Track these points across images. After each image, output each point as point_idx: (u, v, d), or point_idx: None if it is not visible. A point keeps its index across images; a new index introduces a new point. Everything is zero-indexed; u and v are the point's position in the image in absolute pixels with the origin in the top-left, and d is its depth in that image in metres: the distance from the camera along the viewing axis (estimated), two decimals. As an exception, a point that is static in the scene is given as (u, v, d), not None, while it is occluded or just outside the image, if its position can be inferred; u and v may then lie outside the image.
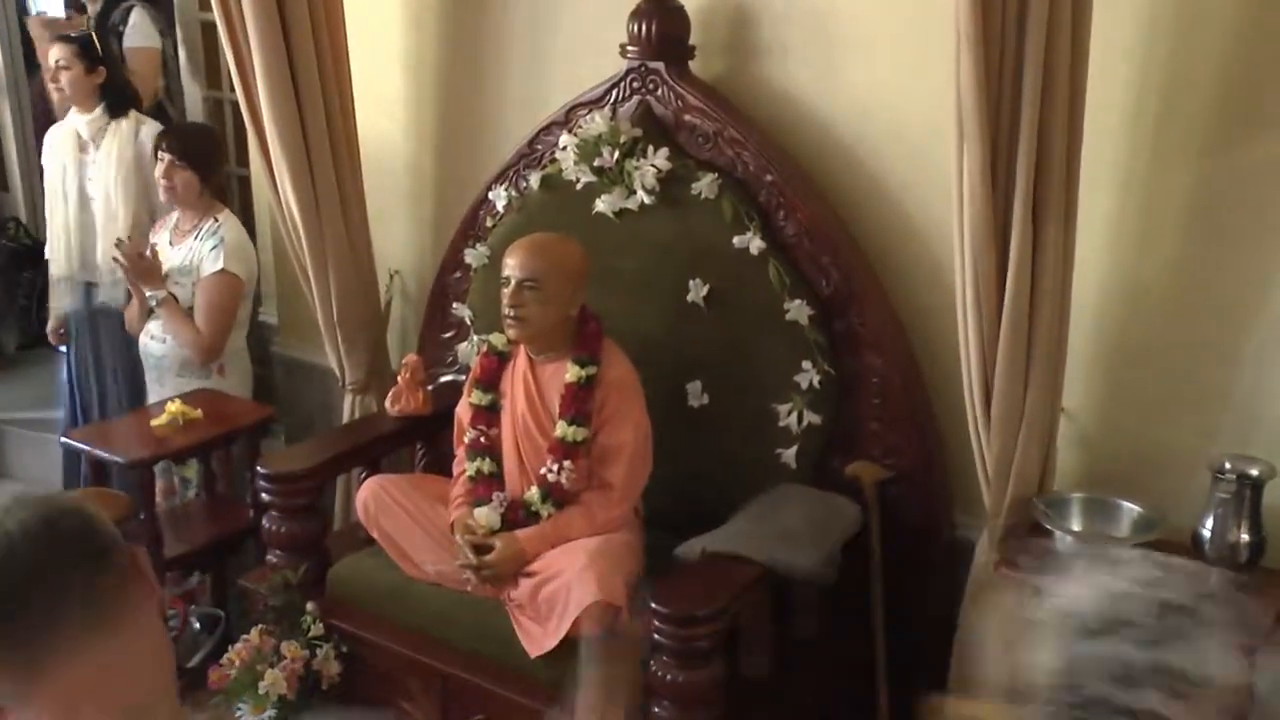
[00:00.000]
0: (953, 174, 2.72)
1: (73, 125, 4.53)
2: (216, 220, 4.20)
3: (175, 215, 4.33)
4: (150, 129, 4.47)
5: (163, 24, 4.98)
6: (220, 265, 4.11)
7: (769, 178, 3.26)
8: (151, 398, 4.28)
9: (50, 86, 4.49)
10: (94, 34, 4.53)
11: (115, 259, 4.16)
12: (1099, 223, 2.88)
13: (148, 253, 4.15)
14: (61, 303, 4.67)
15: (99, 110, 4.46)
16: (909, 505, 3.21)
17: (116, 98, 4.49)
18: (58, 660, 1.24)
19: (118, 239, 4.22)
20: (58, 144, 4.57)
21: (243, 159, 4.89)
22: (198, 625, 4.34)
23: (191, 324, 4.15)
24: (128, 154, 4.42)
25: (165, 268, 4.19)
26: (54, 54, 4.46)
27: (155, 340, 4.26)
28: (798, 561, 2.92)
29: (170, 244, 4.26)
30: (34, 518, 1.27)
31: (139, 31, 4.71)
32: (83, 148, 4.51)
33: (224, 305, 4.15)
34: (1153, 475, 2.93)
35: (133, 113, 4.49)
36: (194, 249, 4.18)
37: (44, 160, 4.65)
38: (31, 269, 5.74)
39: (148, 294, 4.16)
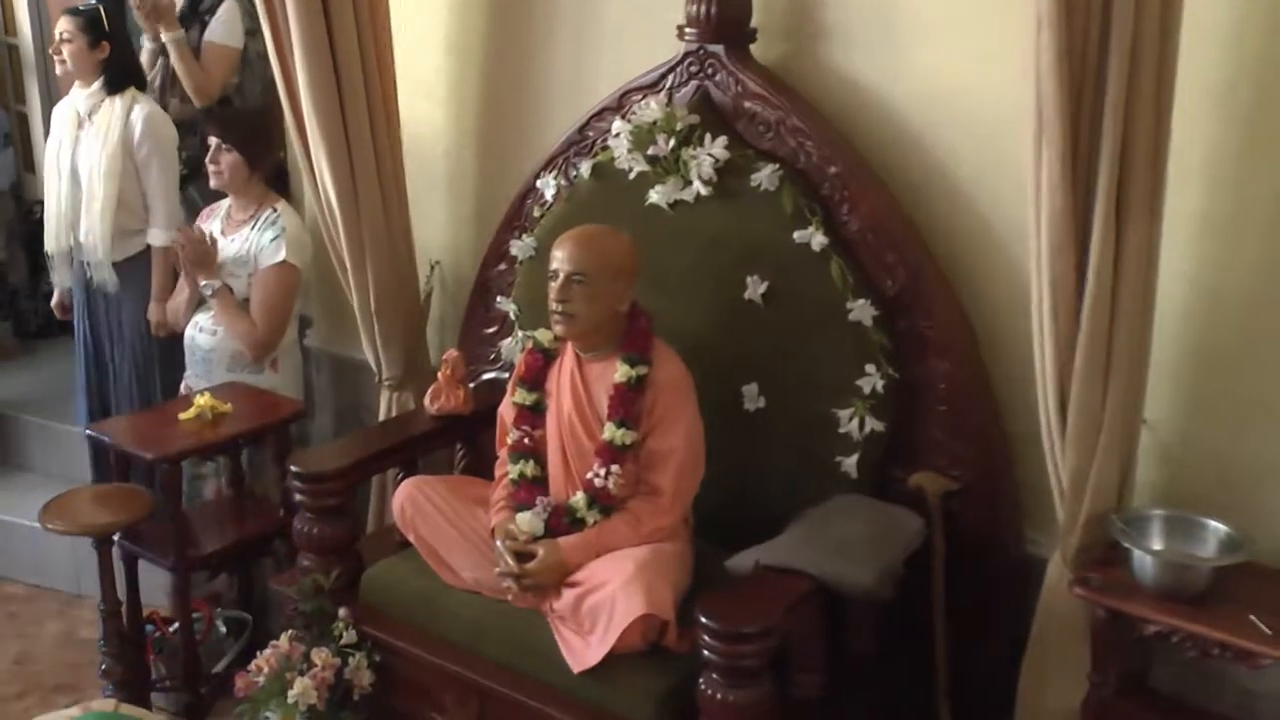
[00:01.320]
0: (1029, 166, 2.69)
1: (74, 100, 4.60)
2: (275, 210, 4.24)
3: (227, 203, 4.37)
4: (144, 109, 4.50)
5: (251, 22, 5.03)
6: (282, 257, 4.16)
7: (832, 169, 3.24)
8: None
9: (55, 59, 4.58)
10: (103, 9, 4.58)
11: (177, 244, 4.21)
12: (1185, 220, 2.83)
13: (207, 240, 4.20)
14: (58, 278, 4.80)
15: (97, 85, 4.52)
16: (975, 519, 3.18)
17: (117, 74, 4.54)
18: None
19: (181, 225, 4.28)
20: (58, 119, 4.67)
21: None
22: (223, 629, 4.38)
23: (247, 317, 4.18)
24: (115, 131, 4.47)
25: (219, 258, 4.22)
26: (60, 26, 4.54)
27: (204, 332, 4.30)
28: (855, 576, 2.89)
29: (222, 233, 4.30)
30: None
31: (224, 27, 4.75)
32: (80, 123, 4.58)
33: (283, 298, 4.19)
34: (1240, 492, 2.89)
35: (130, 90, 4.54)
36: (251, 239, 4.22)
37: (49, 136, 4.73)
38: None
39: (202, 283, 4.20)
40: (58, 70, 4.61)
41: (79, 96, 4.57)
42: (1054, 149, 2.61)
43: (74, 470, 5.03)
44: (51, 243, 4.70)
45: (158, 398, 4.65)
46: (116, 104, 4.50)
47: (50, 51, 4.61)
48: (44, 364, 6.04)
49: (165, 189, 4.55)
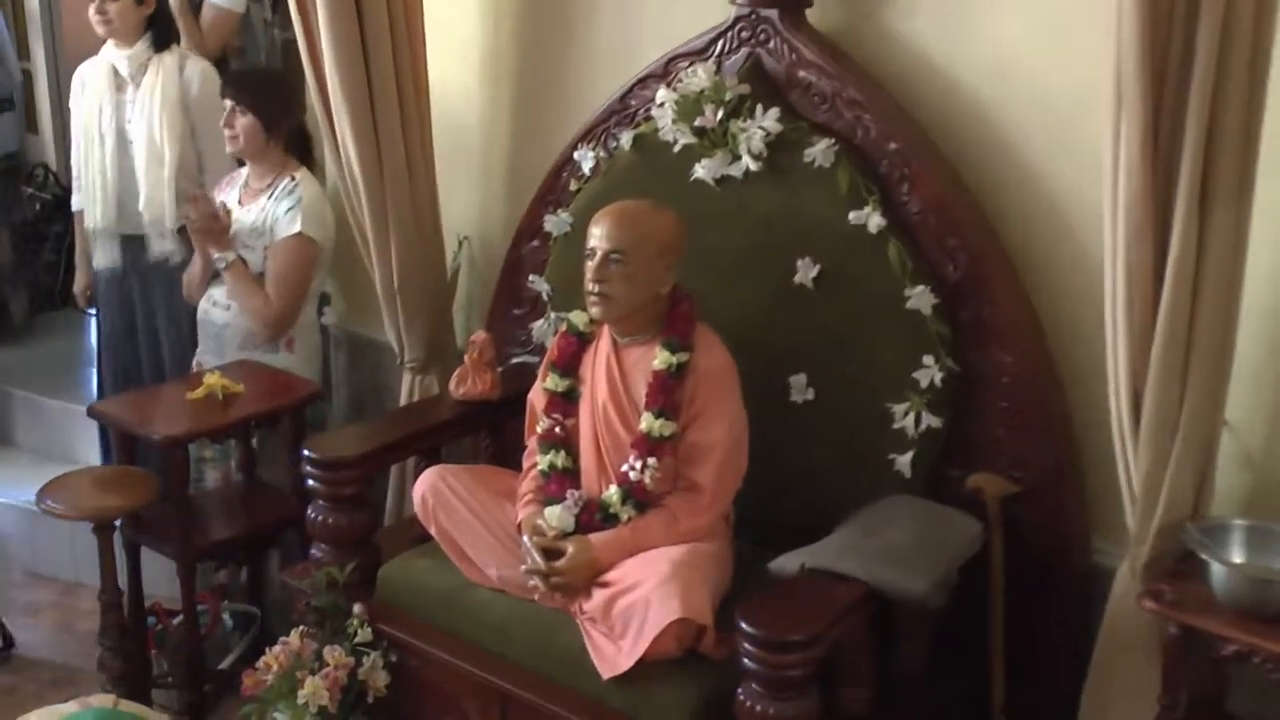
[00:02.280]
0: (1106, 146, 2.66)
1: (108, 60, 4.56)
2: (294, 179, 4.24)
3: (245, 172, 4.37)
4: (198, 65, 4.49)
5: None
6: (297, 228, 4.15)
7: (892, 145, 3.22)
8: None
9: (94, 19, 4.51)
10: None
11: (185, 215, 4.20)
12: (1273, 207, 2.79)
13: (219, 210, 4.19)
14: (101, 259, 4.69)
15: (142, 44, 4.48)
16: (1038, 525, 3.16)
17: (163, 30, 4.51)
18: None
19: (191, 194, 4.26)
20: (92, 81, 4.60)
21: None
22: (230, 623, 4.39)
23: (261, 292, 4.18)
24: (172, 91, 4.45)
25: (233, 229, 4.22)
26: None
27: (218, 308, 4.30)
28: (907, 583, 2.88)
29: (239, 203, 4.31)
30: None
31: None
32: (120, 86, 4.54)
33: (298, 273, 4.19)
34: (1328, 503, 2.86)
35: (175, 47, 4.52)
36: (267, 209, 4.22)
37: (73, 101, 4.69)
38: (62, 222, 5.82)
39: (214, 256, 4.20)
40: (100, 31, 4.54)
41: (117, 56, 4.53)
42: (1134, 128, 2.57)
43: (74, 451, 5.06)
44: (98, 218, 4.63)
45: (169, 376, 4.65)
46: (166, 61, 4.47)
47: (92, 11, 4.55)
48: (46, 338, 6.07)
49: (220, 148, 4.53)
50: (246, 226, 4.24)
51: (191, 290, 4.41)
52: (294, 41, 4.01)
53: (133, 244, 4.61)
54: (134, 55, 4.49)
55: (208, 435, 3.99)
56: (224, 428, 3.96)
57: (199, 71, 4.47)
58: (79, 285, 4.90)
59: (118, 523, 3.88)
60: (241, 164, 4.41)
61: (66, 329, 5.93)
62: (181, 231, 4.46)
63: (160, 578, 4.21)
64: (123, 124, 4.55)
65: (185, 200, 4.28)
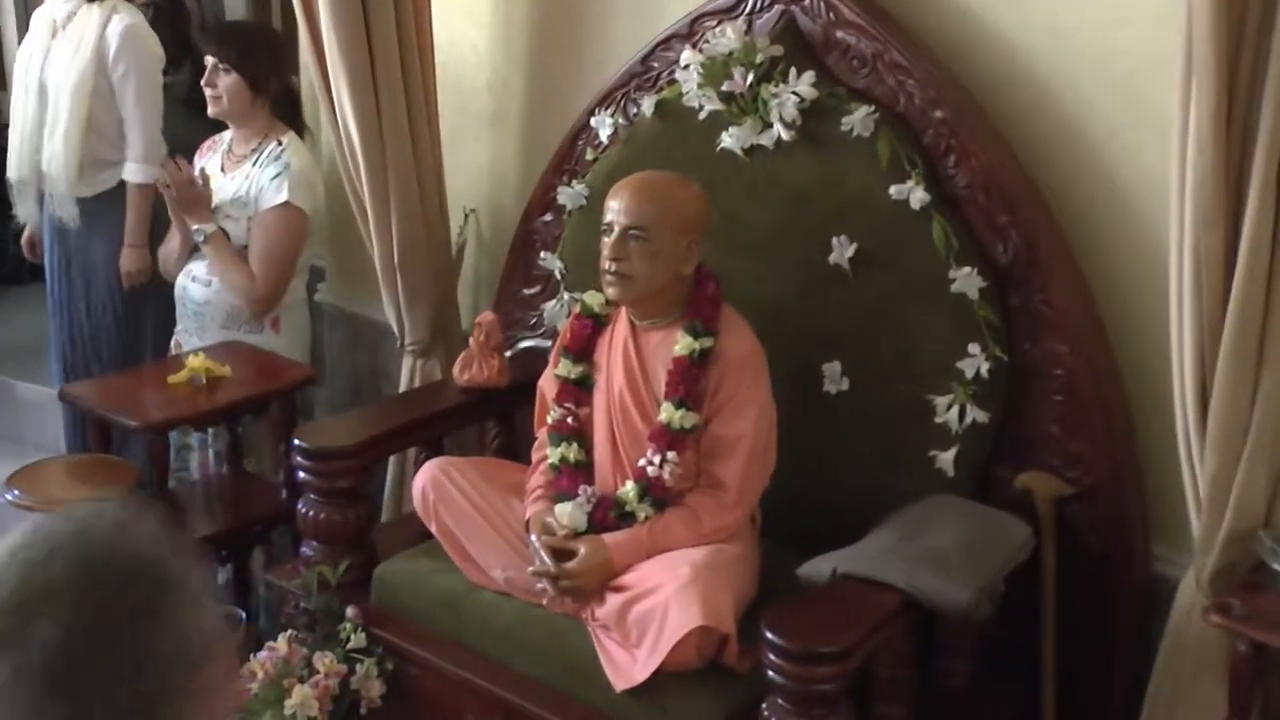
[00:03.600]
0: (1175, 118, 2.66)
1: (51, 7, 4.62)
2: (280, 144, 4.23)
3: (229, 136, 4.37)
4: (124, 20, 4.52)
5: None
6: (283, 197, 4.14)
7: (938, 114, 3.21)
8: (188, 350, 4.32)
9: None
10: None
11: (160, 183, 4.21)
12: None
13: (196, 177, 4.18)
14: (22, 211, 4.82)
15: None
16: (1093, 530, 3.15)
17: None
18: None
19: (164, 159, 4.26)
20: (34, 27, 4.71)
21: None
22: (214, 626, 4.38)
23: (244, 266, 4.18)
24: (89, 44, 4.49)
25: (215, 199, 4.21)
26: None
27: (197, 283, 4.30)
28: (950, 592, 2.87)
29: (222, 170, 4.31)
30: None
31: None
32: (54, 33, 4.59)
33: (285, 246, 4.18)
34: None
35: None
36: (251, 177, 4.21)
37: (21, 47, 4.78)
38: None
39: (194, 228, 4.20)
40: None
41: (55, 3, 4.57)
42: (1206, 97, 2.57)
43: (47, 437, 5.06)
44: (13, 169, 4.73)
45: (146, 358, 4.66)
46: (95, 12, 4.52)
47: None
48: (13, 314, 6.07)
49: (144, 116, 4.57)
50: (229, 196, 4.23)
51: (169, 265, 4.41)
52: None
53: (48, 200, 4.70)
54: (68, 1, 4.52)
55: (191, 422, 4.00)
56: (209, 414, 3.96)
57: (122, 30, 4.52)
58: (25, 236, 5.00)
59: (91, 515, 3.87)
60: (220, 128, 4.41)
61: (35, 304, 5.94)
62: (89, 200, 4.56)
63: (138, 576, 4.20)
64: (45, 74, 4.61)
65: (161, 169, 4.28)
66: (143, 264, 4.63)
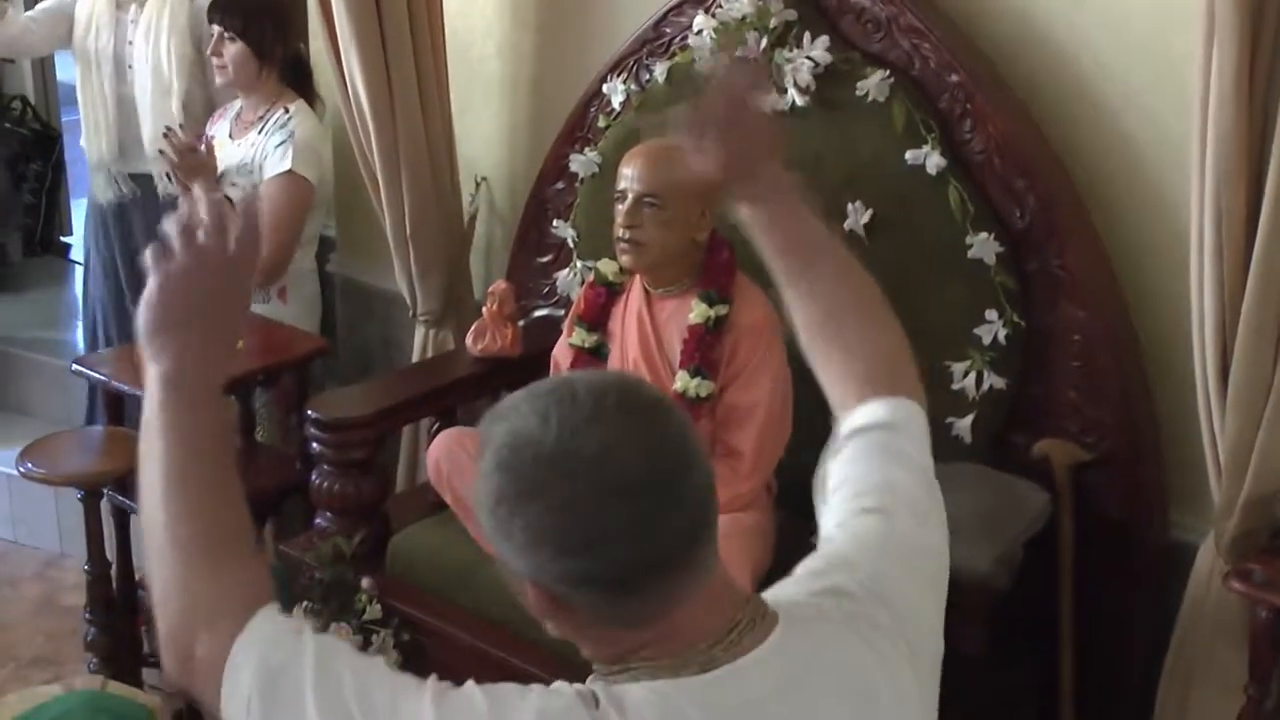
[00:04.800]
0: (1195, 78, 2.65)
1: None
2: (287, 111, 4.21)
3: (238, 104, 4.34)
4: None
5: None
6: (287, 165, 4.12)
7: (954, 78, 3.19)
8: None
9: None
10: None
11: (162, 151, 4.18)
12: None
13: (201, 146, 4.16)
14: (100, 195, 4.69)
15: None
16: (1111, 497, 3.15)
17: None
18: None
19: (166, 127, 4.22)
20: (86, 4, 4.58)
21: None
22: (227, 598, 4.38)
23: None
24: (182, 14, 4.42)
25: (221, 166, 4.20)
26: None
27: None
28: (968, 559, 2.83)
29: (230, 137, 4.29)
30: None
31: None
32: (120, 4, 4.52)
33: (287, 215, 4.15)
34: None
35: None
36: (257, 145, 4.19)
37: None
38: (41, 159, 5.82)
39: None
40: None
41: None
42: (1227, 53, 2.55)
43: (65, 411, 5.06)
44: (95, 152, 4.62)
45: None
46: None
47: None
48: (26, 288, 6.07)
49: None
50: (235, 164, 4.21)
51: None
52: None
53: (139, 182, 4.61)
54: None
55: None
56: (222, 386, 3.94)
57: None
58: None
59: (106, 489, 3.88)
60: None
61: (49, 278, 5.94)
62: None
63: (151, 549, 4.21)
64: (120, 48, 4.53)
65: (163, 138, 4.24)
66: None
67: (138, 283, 4.72)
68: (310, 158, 4.16)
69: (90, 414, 4.80)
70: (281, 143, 4.14)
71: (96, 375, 4.01)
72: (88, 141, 4.66)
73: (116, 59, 4.53)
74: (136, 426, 3.91)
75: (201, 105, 4.53)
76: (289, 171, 4.12)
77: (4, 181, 6.05)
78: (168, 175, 4.39)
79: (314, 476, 3.46)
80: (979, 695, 3.05)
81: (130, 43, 4.50)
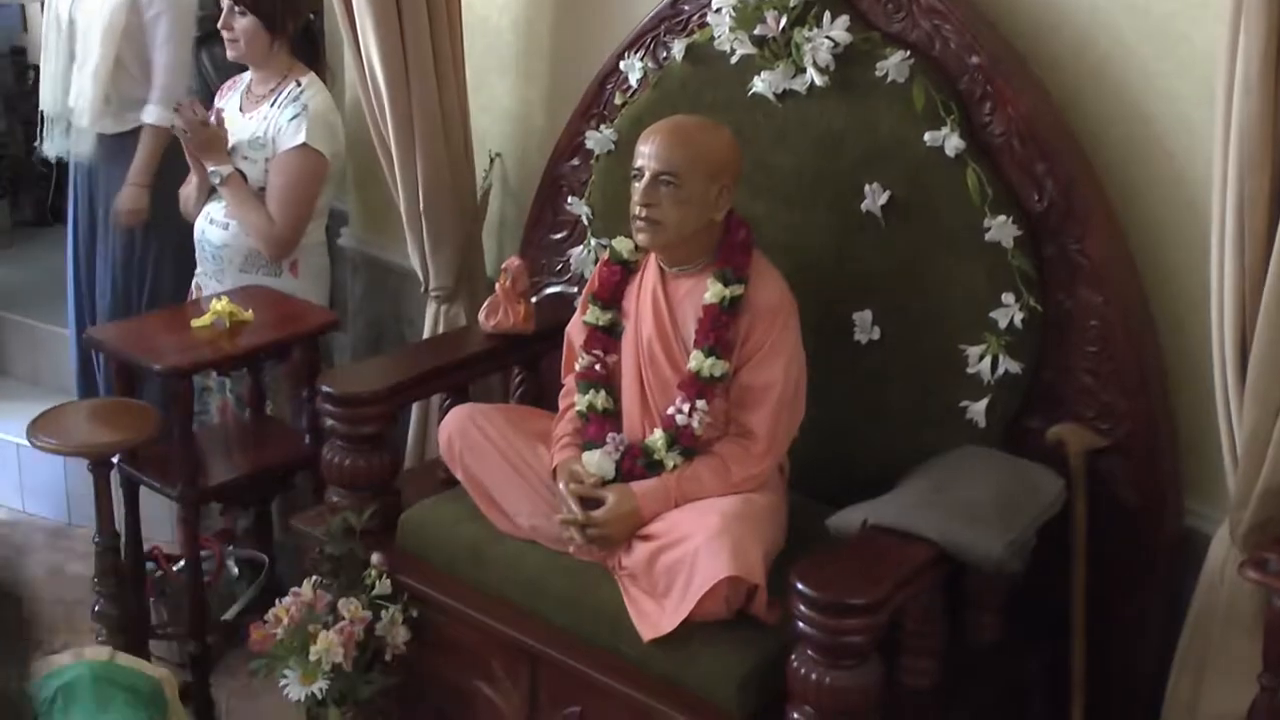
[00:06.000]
0: (1220, 61, 2.62)
1: None
2: (299, 84, 4.21)
3: (248, 77, 4.34)
4: None
5: None
6: (301, 139, 4.13)
7: (974, 59, 3.18)
8: (208, 294, 4.31)
9: None
10: None
11: (174, 126, 4.19)
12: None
13: (212, 119, 4.16)
14: (51, 147, 4.81)
15: None
16: (1126, 483, 3.13)
17: None
18: None
19: (178, 102, 4.24)
20: None
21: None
22: (235, 571, 4.40)
23: (262, 208, 4.17)
24: None
25: (233, 140, 4.20)
26: None
27: (215, 225, 4.30)
28: (983, 545, 2.86)
29: (241, 110, 4.28)
30: None
31: None
32: None
33: (302, 188, 4.17)
34: None
35: None
36: (270, 118, 4.19)
37: None
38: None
39: (209, 169, 4.18)
40: None
41: None
42: (1254, 37, 2.53)
43: (66, 379, 5.06)
44: (46, 104, 4.73)
45: (164, 301, 4.66)
46: None
47: None
48: (38, 256, 6.07)
49: (171, 59, 4.55)
50: (247, 137, 4.22)
51: (188, 207, 4.41)
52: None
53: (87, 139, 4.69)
54: None
55: (215, 367, 4.00)
56: (232, 358, 3.96)
57: None
58: None
59: (115, 460, 3.88)
60: (240, 69, 4.39)
61: (57, 247, 5.94)
62: (113, 138, 4.58)
63: (160, 520, 4.22)
64: (75, 10, 4.60)
65: (174, 112, 4.26)
66: (139, 204, 4.61)
67: (92, 238, 4.84)
68: (324, 131, 4.17)
69: (83, 381, 4.82)
70: (295, 116, 4.14)
71: (108, 347, 4.02)
72: (43, 98, 4.76)
73: (71, 20, 4.62)
74: (144, 397, 3.94)
75: (141, 71, 4.60)
76: (303, 145, 4.12)
77: (19, 148, 6.06)
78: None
79: (325, 451, 3.46)
80: (989, 681, 3.07)
81: (79, 4, 4.59)
